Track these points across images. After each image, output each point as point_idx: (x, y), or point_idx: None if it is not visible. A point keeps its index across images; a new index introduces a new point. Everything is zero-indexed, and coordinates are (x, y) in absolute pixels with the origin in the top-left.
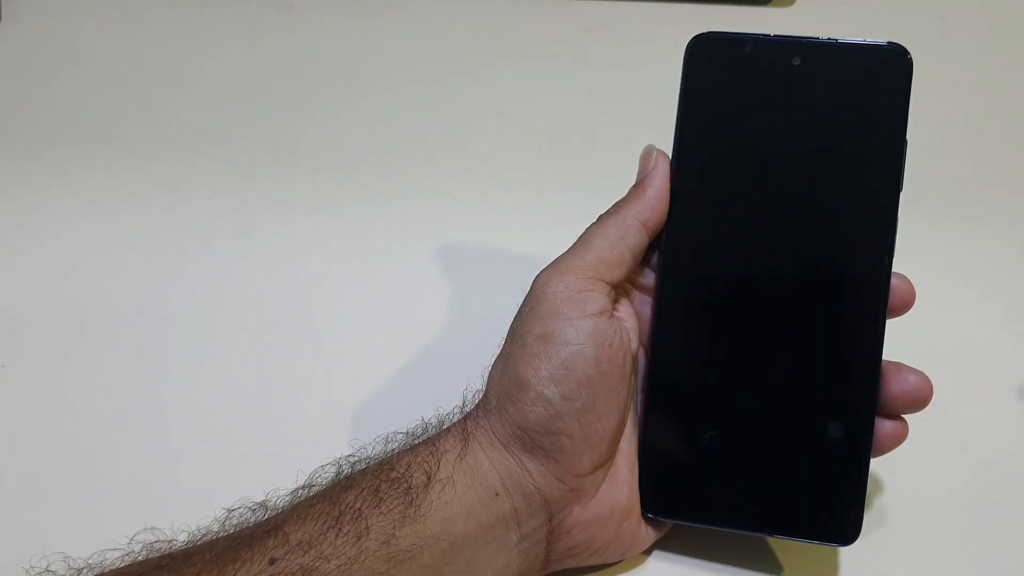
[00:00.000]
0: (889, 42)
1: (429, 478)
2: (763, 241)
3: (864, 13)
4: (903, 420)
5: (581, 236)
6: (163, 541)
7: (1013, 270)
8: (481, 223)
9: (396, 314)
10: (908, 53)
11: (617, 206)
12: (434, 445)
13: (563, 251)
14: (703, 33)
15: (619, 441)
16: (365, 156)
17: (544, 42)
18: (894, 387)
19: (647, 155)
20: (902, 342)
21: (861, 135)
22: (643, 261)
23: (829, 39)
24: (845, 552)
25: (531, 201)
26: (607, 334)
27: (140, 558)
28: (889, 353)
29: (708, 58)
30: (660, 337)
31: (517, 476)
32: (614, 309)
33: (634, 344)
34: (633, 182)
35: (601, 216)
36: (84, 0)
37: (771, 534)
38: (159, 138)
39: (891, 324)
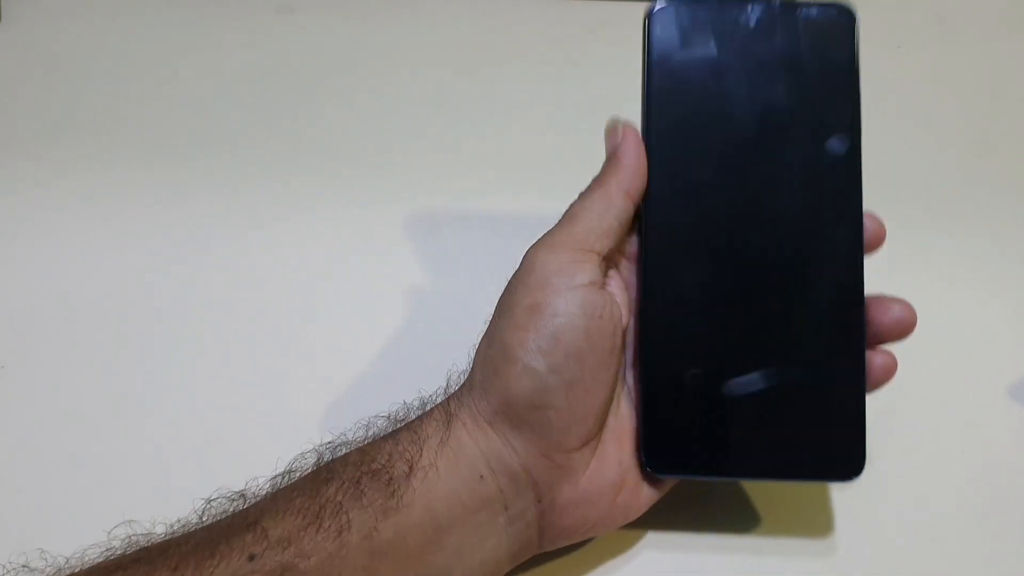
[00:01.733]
0: (835, 3)
1: (411, 467)
2: (739, 191)
3: (863, 12)
4: (891, 353)
5: (567, 212)
6: (140, 534)
7: (1008, 271)
8: (480, 223)
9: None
10: (853, 10)
11: (597, 180)
12: (415, 432)
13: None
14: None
15: (607, 416)
16: (364, 155)
17: (545, 43)
18: (881, 318)
19: (612, 129)
20: (896, 343)
21: (818, 85)
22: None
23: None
24: (843, 551)
25: (530, 201)
26: (597, 305)
27: (118, 553)
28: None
29: (668, 24)
30: (649, 290)
31: (502, 454)
32: (604, 282)
33: (625, 318)
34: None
35: (582, 192)
36: (84, 0)
37: (776, 479)
38: (159, 138)
39: None
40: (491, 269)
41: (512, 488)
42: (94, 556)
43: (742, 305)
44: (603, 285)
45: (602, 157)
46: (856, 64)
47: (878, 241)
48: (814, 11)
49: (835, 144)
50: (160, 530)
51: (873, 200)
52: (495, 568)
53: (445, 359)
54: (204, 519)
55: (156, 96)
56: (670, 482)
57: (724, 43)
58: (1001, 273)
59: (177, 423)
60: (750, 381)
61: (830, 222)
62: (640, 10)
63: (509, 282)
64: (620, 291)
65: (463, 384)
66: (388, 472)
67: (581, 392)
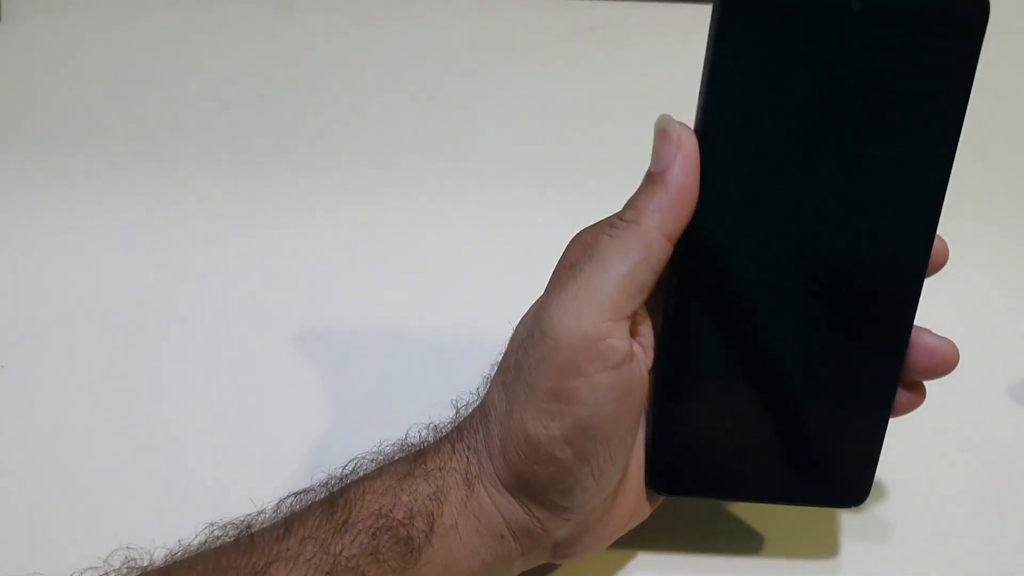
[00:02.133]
0: None
1: (432, 526)
2: (798, 204)
3: None
4: (922, 387)
5: (596, 251)
6: (135, 565)
7: (1008, 271)
8: (480, 224)
9: (387, 315)
10: (987, 3)
11: (635, 210)
12: (435, 485)
13: (563, 254)
14: None
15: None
16: (364, 156)
17: (545, 42)
18: (921, 358)
19: (664, 133)
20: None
21: (921, 90)
22: None
23: None
24: (841, 549)
25: (530, 202)
26: (628, 384)
27: None
28: None
29: (746, 8)
30: (676, 311)
31: (524, 521)
32: (633, 333)
33: (649, 362)
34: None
35: (615, 224)
36: (84, 0)
37: (779, 503)
38: (159, 138)
39: None
40: (496, 274)
41: (530, 542)
42: None
43: (772, 335)
44: (632, 353)
45: (602, 156)
46: (973, 66)
47: (937, 266)
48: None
49: (922, 159)
50: (160, 554)
51: None
52: None
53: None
54: (206, 546)
55: (156, 96)
56: None
57: (813, 32)
58: (1001, 273)
59: (177, 430)
60: (768, 407)
61: (892, 259)
62: (641, 10)
63: (524, 339)
64: (647, 330)
65: (477, 428)
66: (407, 528)
67: (608, 468)
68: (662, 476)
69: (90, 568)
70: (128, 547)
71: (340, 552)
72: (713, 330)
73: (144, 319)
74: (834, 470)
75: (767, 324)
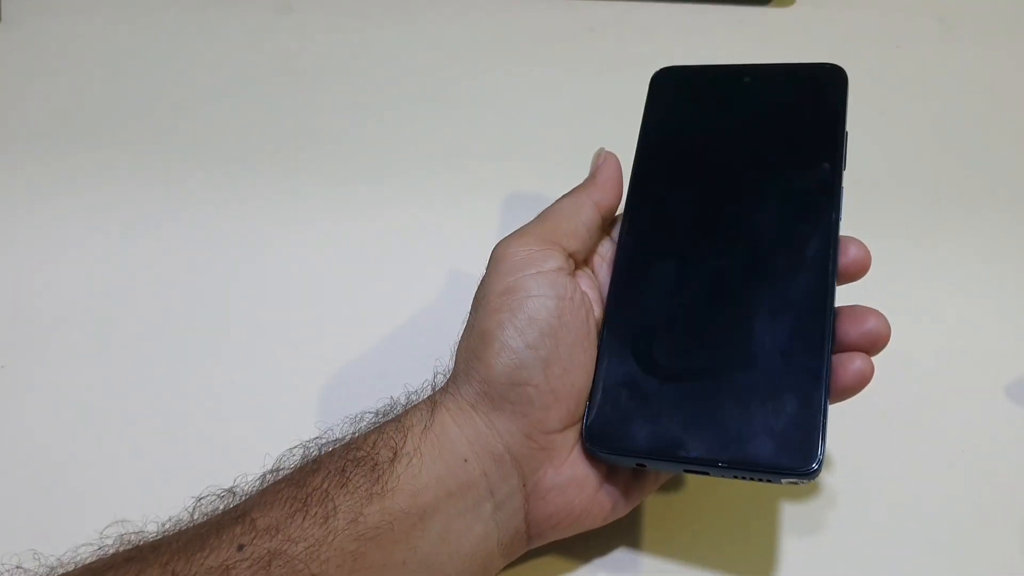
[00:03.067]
0: (829, 63)
1: (395, 453)
2: (713, 210)
3: (864, 13)
4: (867, 359)
5: (539, 214)
6: (133, 532)
7: (1006, 270)
8: (480, 223)
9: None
10: (843, 70)
11: (572, 190)
12: (400, 421)
13: None
14: (666, 67)
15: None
16: (363, 155)
17: (545, 42)
18: (851, 328)
19: (597, 155)
20: (894, 343)
21: (801, 129)
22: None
23: (777, 63)
24: (841, 551)
25: (529, 200)
26: (567, 287)
27: (111, 552)
28: (886, 351)
29: (668, 82)
30: (617, 279)
31: (485, 437)
32: (573, 273)
33: (596, 311)
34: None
35: (557, 199)
36: (84, 0)
37: (722, 472)
38: (158, 138)
39: None
40: (483, 267)
41: (496, 472)
42: (87, 556)
43: (702, 301)
44: (571, 273)
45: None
46: (842, 113)
47: (861, 268)
48: (805, 71)
49: (812, 176)
50: (152, 528)
51: (873, 200)
52: (487, 561)
53: (433, 356)
54: (195, 517)
55: (155, 96)
56: (657, 481)
57: (716, 96)
58: (999, 273)
59: (170, 422)
60: (701, 371)
61: (799, 240)
62: (641, 10)
63: (482, 277)
64: (592, 289)
65: (447, 380)
66: (372, 459)
67: (558, 370)
68: (595, 431)
69: (85, 544)
70: (122, 521)
71: (313, 488)
72: (643, 298)
73: (141, 317)
74: (773, 439)
75: (690, 297)
